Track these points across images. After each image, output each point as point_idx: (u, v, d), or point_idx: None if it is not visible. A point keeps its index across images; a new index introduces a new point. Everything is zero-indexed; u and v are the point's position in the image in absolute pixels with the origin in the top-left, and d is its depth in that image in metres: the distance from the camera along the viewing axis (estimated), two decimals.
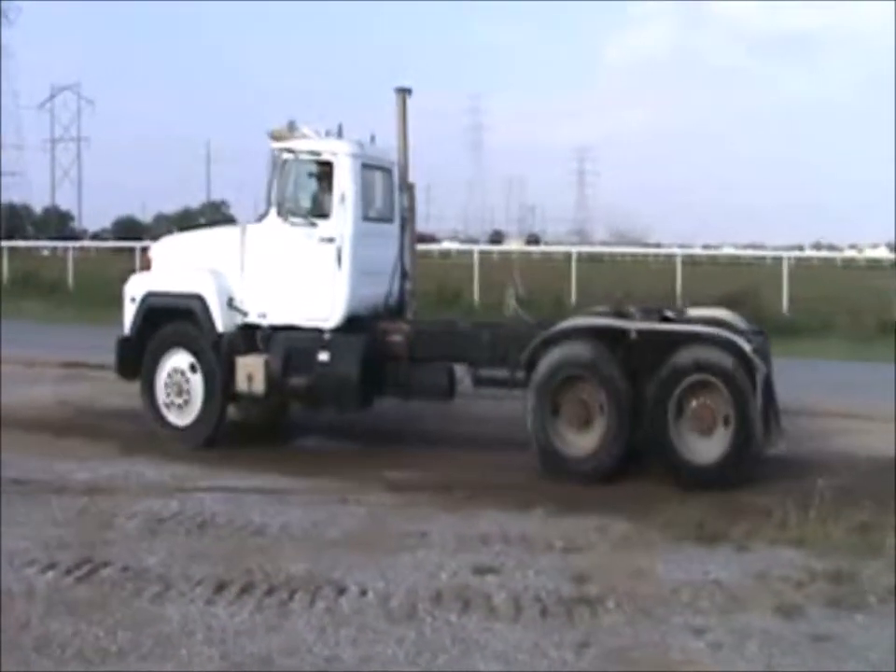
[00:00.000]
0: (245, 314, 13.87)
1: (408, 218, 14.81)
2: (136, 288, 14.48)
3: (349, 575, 8.61)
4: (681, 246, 38.03)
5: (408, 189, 14.81)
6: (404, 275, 14.68)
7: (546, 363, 12.66)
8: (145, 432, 14.10)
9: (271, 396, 13.77)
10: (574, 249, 34.53)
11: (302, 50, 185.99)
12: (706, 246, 61.41)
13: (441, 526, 10.13)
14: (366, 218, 13.93)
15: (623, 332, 12.60)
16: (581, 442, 12.59)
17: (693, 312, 13.70)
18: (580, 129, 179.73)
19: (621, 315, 13.25)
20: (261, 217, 13.97)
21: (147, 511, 10.50)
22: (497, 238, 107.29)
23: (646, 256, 46.63)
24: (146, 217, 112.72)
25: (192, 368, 13.90)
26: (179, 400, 13.92)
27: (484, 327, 14.33)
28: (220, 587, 8.28)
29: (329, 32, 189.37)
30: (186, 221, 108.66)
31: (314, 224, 13.62)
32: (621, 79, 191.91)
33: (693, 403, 12.33)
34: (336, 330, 13.60)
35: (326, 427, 15.15)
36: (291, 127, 13.92)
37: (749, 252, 46.61)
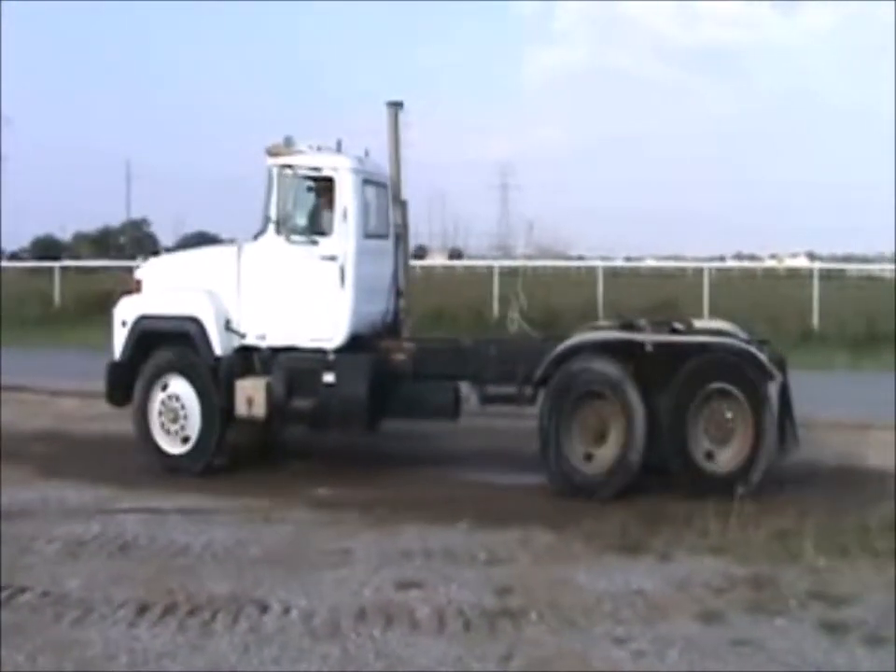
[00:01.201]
0: (242, 335, 13.49)
1: (401, 235, 14.55)
2: (127, 312, 13.94)
3: (272, 593, 8.58)
4: (603, 259, 38.21)
5: (400, 204, 14.52)
6: (398, 293, 14.41)
7: (561, 378, 12.59)
8: (65, 454, 13.96)
9: (272, 419, 13.46)
10: (496, 263, 34.58)
11: (230, 65, 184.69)
12: (628, 258, 61.94)
13: (365, 543, 10.13)
14: (366, 235, 13.62)
15: (639, 346, 12.58)
16: (597, 458, 12.56)
17: (699, 323, 13.78)
18: (502, 143, 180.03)
19: (629, 328, 13.26)
20: (257, 235, 13.51)
21: (67, 535, 10.36)
22: (420, 253, 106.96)
23: (567, 269, 47.01)
24: (65, 235, 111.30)
25: (188, 393, 13.46)
26: (175, 427, 13.46)
27: (490, 343, 14.00)
28: (142, 609, 8.20)
29: (255, 48, 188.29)
30: (106, 239, 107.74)
31: (314, 242, 13.28)
32: (543, 94, 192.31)
33: (711, 413, 12.40)
34: (340, 350, 13.28)
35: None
36: (288, 142, 13.51)
37: (671, 264, 46.98)
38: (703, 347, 12.61)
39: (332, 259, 13.20)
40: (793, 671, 7.29)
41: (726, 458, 12.34)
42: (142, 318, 13.76)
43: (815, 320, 27.50)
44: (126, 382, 13.76)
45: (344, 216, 13.29)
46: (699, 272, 31.82)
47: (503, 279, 30.55)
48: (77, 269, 46.52)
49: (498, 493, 12.67)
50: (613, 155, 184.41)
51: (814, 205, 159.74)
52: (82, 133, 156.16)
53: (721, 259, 65.53)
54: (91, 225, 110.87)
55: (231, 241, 15.33)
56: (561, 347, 12.72)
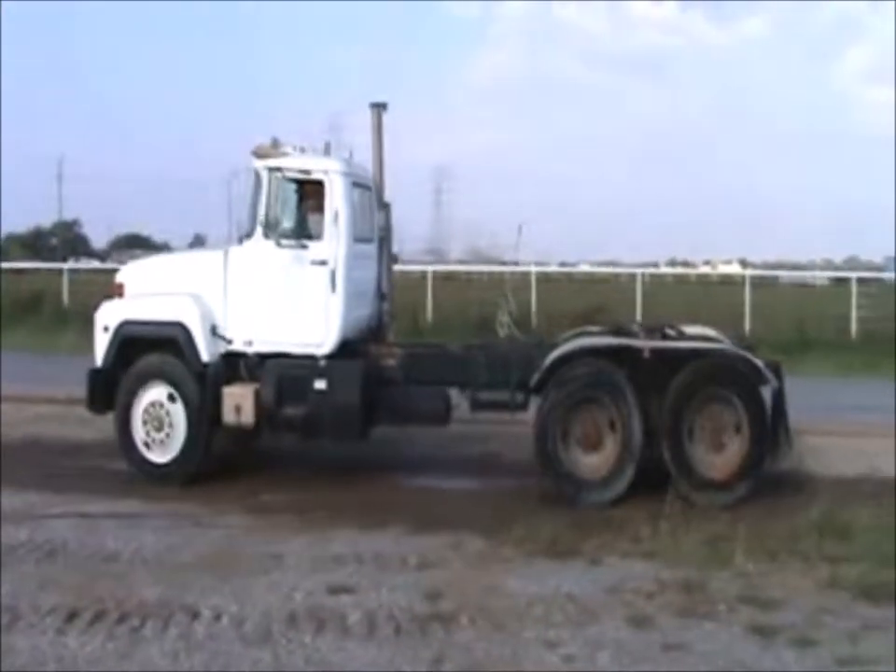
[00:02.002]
0: (229, 341, 13.16)
1: (385, 238, 14.30)
2: (109, 317, 13.50)
3: (203, 599, 8.53)
4: (538, 264, 38.22)
5: (383, 207, 14.32)
6: (382, 297, 14.22)
7: (559, 384, 12.57)
8: None
9: (260, 427, 13.21)
10: (430, 268, 34.59)
11: (163, 65, 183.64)
12: (562, 264, 62.01)
13: (296, 548, 10.10)
14: (354, 239, 13.36)
15: (636, 351, 12.62)
16: (593, 465, 12.54)
17: (690, 329, 13.73)
18: (437, 147, 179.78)
19: (622, 333, 13.30)
20: (243, 239, 13.24)
21: None
22: None
23: (502, 274, 47.00)
24: None
25: (173, 400, 13.06)
26: (160, 436, 13.06)
27: (481, 348, 13.88)
28: (71, 616, 8.12)
29: (191, 47, 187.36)
30: (38, 241, 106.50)
31: (304, 246, 13.03)
32: (479, 98, 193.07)
33: (707, 419, 12.47)
34: (330, 357, 13.03)
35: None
36: (275, 144, 13.28)
37: (605, 269, 47.26)
38: (699, 353, 12.72)
39: (323, 263, 12.98)
40: None
41: (722, 463, 12.42)
42: (125, 323, 13.37)
43: (746, 326, 27.72)
44: (107, 389, 13.36)
45: (335, 219, 13.06)
46: (632, 277, 32.02)
47: (436, 283, 30.55)
48: (8, 271, 45.93)
49: (433, 498, 12.66)
50: (549, 159, 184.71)
51: (747, 212, 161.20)
52: (11, 132, 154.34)
53: (655, 264, 65.82)
54: (22, 226, 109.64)
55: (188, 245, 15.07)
56: (558, 352, 12.72)
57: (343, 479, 13.36)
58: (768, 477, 12.56)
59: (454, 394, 13.27)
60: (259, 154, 13.17)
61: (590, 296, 28.64)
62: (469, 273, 46.99)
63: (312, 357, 12.99)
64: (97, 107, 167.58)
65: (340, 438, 13.39)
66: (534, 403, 12.96)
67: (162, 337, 13.22)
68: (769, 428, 12.51)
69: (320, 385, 12.83)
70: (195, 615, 8.19)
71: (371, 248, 14.05)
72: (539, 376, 12.63)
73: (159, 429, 13.09)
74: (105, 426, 14.00)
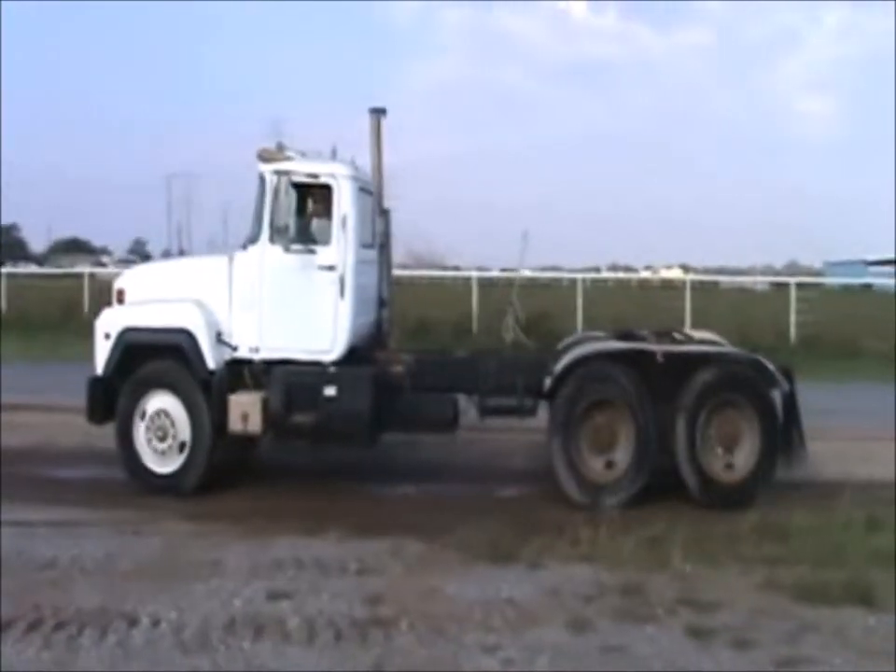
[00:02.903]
0: (234, 348, 12.91)
1: (385, 244, 14.23)
2: (111, 324, 13.14)
3: (141, 606, 8.46)
4: (479, 269, 38.25)
5: (383, 213, 14.23)
6: (382, 303, 14.13)
7: (573, 388, 12.57)
8: None
9: (267, 435, 12.99)
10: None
11: (102, 66, 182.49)
12: (504, 269, 62.10)
13: (236, 554, 10.04)
14: (360, 245, 13.26)
15: (650, 355, 12.65)
16: (606, 467, 12.57)
17: (697, 334, 13.94)
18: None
19: (629, 337, 13.39)
20: (248, 244, 12.97)
21: None
22: None
23: (443, 279, 46.98)
24: None
25: (178, 409, 12.78)
26: (164, 446, 12.76)
27: (489, 355, 13.90)
28: (7, 624, 8.02)
29: (124, 53, 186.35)
30: None
31: (312, 251, 12.85)
32: (421, 105, 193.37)
33: (720, 422, 12.54)
34: (339, 363, 12.86)
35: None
36: (280, 147, 13.07)
37: (547, 274, 47.29)
38: (711, 357, 12.84)
39: (331, 268, 12.82)
40: None
41: (735, 467, 12.53)
42: (127, 330, 13.02)
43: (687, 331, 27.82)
44: (108, 398, 13.03)
45: (343, 224, 12.91)
46: (573, 282, 32.13)
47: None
48: None
49: (374, 503, 12.68)
50: (491, 167, 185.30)
51: (689, 218, 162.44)
52: None
53: (597, 270, 66.12)
54: None
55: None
56: (572, 357, 12.75)
57: (283, 485, 13.28)
58: (782, 481, 12.69)
59: (462, 400, 13.20)
60: (265, 158, 12.95)
61: (532, 302, 28.60)
62: (410, 277, 46.99)
63: (319, 364, 12.83)
64: (35, 111, 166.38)
65: (349, 445, 13.23)
66: (541, 408, 13.07)
67: (167, 344, 12.95)
68: (781, 432, 12.67)
69: (330, 391, 12.65)
70: (133, 622, 8.13)
71: (373, 254, 13.94)
72: (552, 381, 12.65)
73: (162, 439, 12.82)
74: (31, 432, 13.84)
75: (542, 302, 30.68)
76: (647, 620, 8.42)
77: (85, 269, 41.28)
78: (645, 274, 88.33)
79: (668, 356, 12.65)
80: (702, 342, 13.50)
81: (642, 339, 13.30)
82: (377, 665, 7.45)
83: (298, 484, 13.38)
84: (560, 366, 12.66)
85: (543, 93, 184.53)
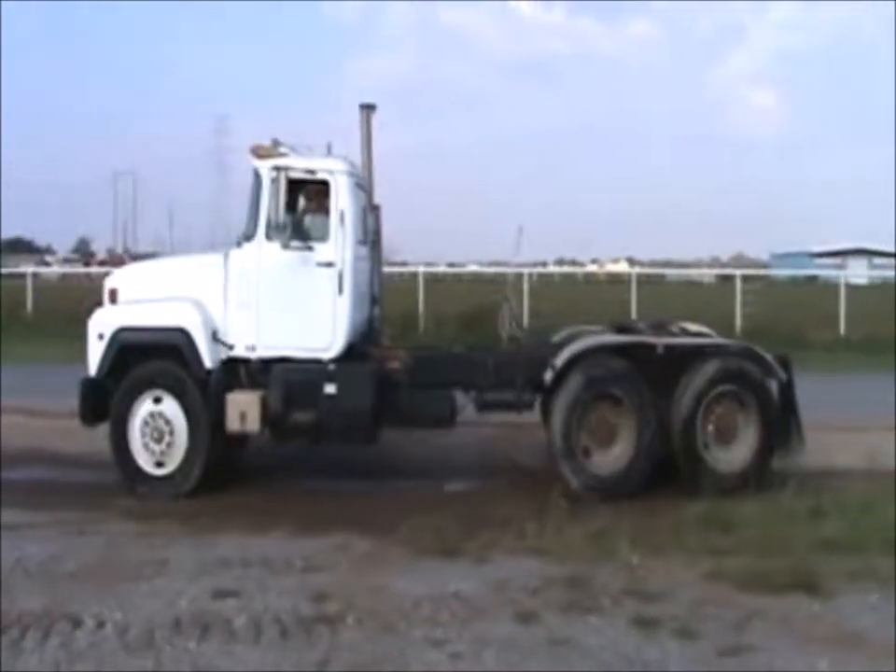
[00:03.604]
0: (230, 347, 12.78)
1: (376, 240, 14.13)
2: (105, 324, 12.92)
3: (85, 607, 8.37)
4: (427, 265, 38.28)
5: (374, 209, 14.15)
6: (374, 300, 14.07)
7: (577, 381, 12.65)
8: None
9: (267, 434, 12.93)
10: None
11: (43, 64, 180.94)
12: (450, 264, 62.06)
13: (181, 553, 9.97)
14: (357, 241, 13.18)
15: (650, 348, 12.83)
16: (609, 460, 12.70)
17: (693, 327, 14.03)
18: (324, 152, 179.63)
19: (625, 330, 13.63)
20: (242, 241, 12.93)
21: None
22: None
23: (391, 274, 46.98)
24: None
25: (174, 409, 12.63)
26: (160, 447, 12.60)
27: (487, 349, 13.99)
28: None
29: (65, 51, 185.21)
30: None
31: (310, 248, 12.76)
32: (371, 100, 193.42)
33: (719, 413, 12.73)
34: (338, 360, 12.77)
35: (73, 459, 14.44)
36: (275, 144, 13.03)
37: (493, 269, 47.33)
38: (710, 348, 13.09)
39: (329, 265, 12.77)
40: (607, 670, 7.44)
41: (733, 456, 12.73)
42: (122, 330, 12.82)
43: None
44: (101, 400, 12.86)
45: (342, 220, 12.86)
46: (520, 277, 32.15)
47: None
48: None
49: (321, 499, 12.62)
50: (437, 163, 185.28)
51: (636, 211, 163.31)
52: None
53: (544, 264, 66.25)
54: None
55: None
56: (573, 350, 12.82)
57: (230, 483, 13.13)
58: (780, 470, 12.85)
59: (459, 396, 13.24)
60: (261, 154, 12.89)
61: (478, 297, 28.66)
62: None
63: (318, 362, 12.74)
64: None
65: (350, 442, 13.16)
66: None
67: (164, 344, 12.81)
68: (779, 421, 12.86)
69: (331, 389, 12.60)
70: (77, 624, 8.04)
71: (366, 250, 13.88)
72: (554, 374, 12.71)
73: (158, 440, 12.65)
74: None
75: (488, 298, 30.68)
76: (593, 611, 8.45)
77: (29, 268, 40.82)
78: (592, 268, 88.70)
79: (668, 348, 12.85)
80: (697, 334, 13.71)
81: (639, 332, 13.51)
82: (323, 662, 7.42)
83: (244, 482, 13.30)
84: (561, 359, 12.73)
85: (493, 89, 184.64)
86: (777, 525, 10.48)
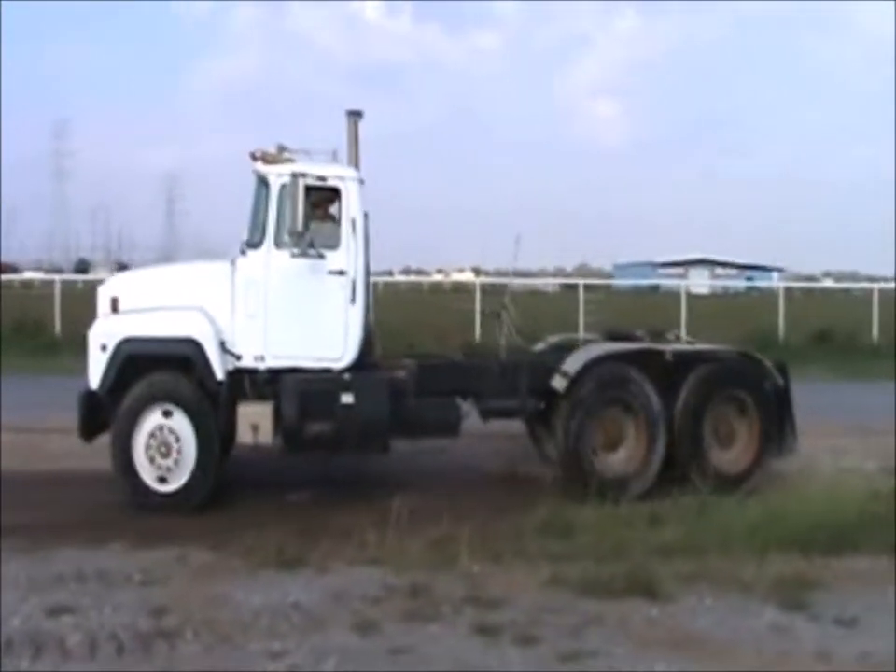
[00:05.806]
0: (238, 357, 12.41)
1: (365, 248, 13.48)
2: (108, 334, 12.34)
3: None
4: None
5: (363, 216, 13.59)
6: (367, 309, 13.61)
7: (590, 388, 12.85)
8: None
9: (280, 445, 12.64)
10: None
11: None
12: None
13: (14, 569, 9.63)
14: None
15: (657, 354, 13.22)
16: (617, 464, 12.99)
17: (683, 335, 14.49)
18: (169, 154, 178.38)
19: (622, 338, 14.05)
20: (249, 249, 12.58)
21: None
22: (83, 267, 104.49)
23: None
24: None
25: (182, 422, 12.14)
26: (167, 462, 12.11)
27: (492, 358, 14.03)
28: None
29: None
30: None
31: (321, 256, 12.47)
32: (210, 105, 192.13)
33: (720, 416, 13.22)
34: (351, 369, 12.55)
35: None
36: (281, 150, 12.78)
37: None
38: (711, 354, 13.71)
39: (341, 273, 12.57)
40: None
41: (734, 458, 13.25)
42: (126, 341, 12.26)
43: (476, 333, 28.20)
44: (102, 414, 12.42)
45: (353, 228, 12.67)
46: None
47: None
48: None
49: (159, 512, 12.18)
50: None
51: (481, 222, 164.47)
52: None
53: (390, 273, 66.46)
54: None
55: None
56: (587, 357, 13.06)
57: (65, 496, 12.81)
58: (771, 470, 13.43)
59: (464, 404, 13.21)
60: (268, 160, 12.66)
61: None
62: None
63: (330, 371, 12.53)
64: None
65: (365, 451, 13.13)
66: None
67: (173, 355, 12.36)
68: (776, 424, 13.33)
69: (347, 399, 12.38)
70: None
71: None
72: (567, 381, 12.85)
73: (165, 455, 12.18)
74: None
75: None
76: (434, 620, 8.50)
77: None
78: (437, 277, 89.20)
79: (676, 354, 13.33)
80: (690, 342, 14.51)
81: (637, 339, 14.02)
82: None
83: (81, 495, 12.88)
84: (574, 367, 12.93)
85: (337, 93, 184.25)
86: (615, 531, 10.64)
